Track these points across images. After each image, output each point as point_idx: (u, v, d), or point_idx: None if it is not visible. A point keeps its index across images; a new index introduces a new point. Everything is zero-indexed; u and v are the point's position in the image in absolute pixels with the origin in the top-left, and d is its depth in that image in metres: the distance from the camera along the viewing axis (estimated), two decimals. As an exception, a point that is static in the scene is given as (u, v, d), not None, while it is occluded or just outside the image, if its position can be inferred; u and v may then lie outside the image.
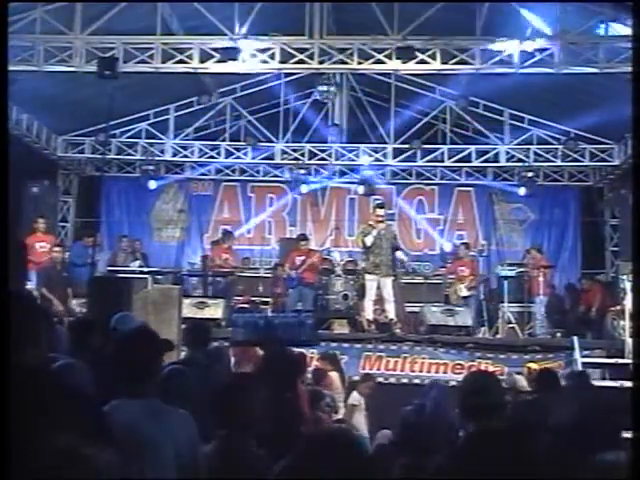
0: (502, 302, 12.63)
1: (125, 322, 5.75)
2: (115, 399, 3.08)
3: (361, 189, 16.31)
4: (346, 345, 11.00)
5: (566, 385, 6.79)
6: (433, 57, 11.40)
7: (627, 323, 10.48)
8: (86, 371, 3.57)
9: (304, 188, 16.45)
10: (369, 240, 11.18)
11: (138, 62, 11.57)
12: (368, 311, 11.44)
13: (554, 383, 6.34)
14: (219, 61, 11.43)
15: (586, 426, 3.19)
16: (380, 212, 11.55)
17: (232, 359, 7.90)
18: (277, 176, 16.98)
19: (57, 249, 11.87)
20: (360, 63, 11.65)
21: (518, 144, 15.57)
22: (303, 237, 13.74)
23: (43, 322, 2.45)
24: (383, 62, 11.54)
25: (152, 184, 16.30)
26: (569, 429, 3.24)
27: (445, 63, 11.43)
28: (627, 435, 3.21)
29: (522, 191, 15.86)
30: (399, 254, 11.63)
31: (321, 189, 17.01)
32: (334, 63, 11.78)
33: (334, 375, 9.77)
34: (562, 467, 2.99)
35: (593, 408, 3.71)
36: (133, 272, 12.42)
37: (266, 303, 12.91)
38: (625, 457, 2.85)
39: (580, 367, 10.01)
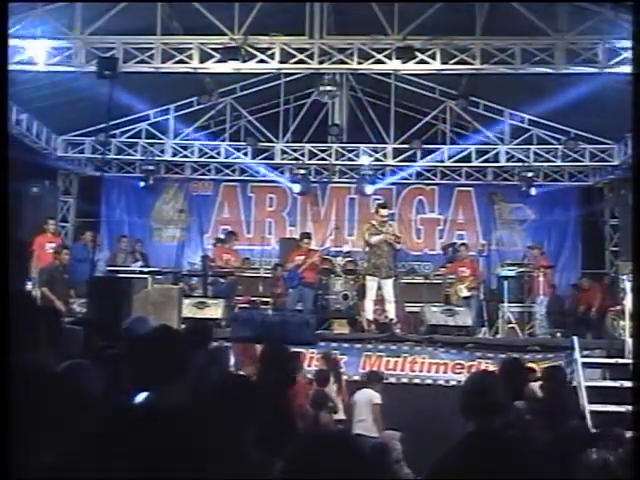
0: (502, 302, 12.61)
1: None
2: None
3: (364, 188, 16.28)
4: (346, 345, 10.99)
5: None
6: (433, 57, 11.40)
7: (627, 323, 10.47)
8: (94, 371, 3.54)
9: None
10: (374, 239, 11.14)
11: (138, 62, 11.57)
12: (368, 311, 11.43)
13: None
14: (219, 61, 11.45)
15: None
16: (383, 212, 11.52)
17: (232, 359, 7.90)
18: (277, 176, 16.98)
19: (66, 251, 11.82)
20: (360, 63, 11.65)
21: (518, 144, 15.58)
22: (307, 235, 13.61)
23: (47, 321, 2.46)
24: (383, 62, 11.54)
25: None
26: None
27: (445, 63, 11.44)
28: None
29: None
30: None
31: (321, 189, 17.01)
32: (334, 63, 11.77)
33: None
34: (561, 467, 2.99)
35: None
36: (133, 272, 12.41)
37: (266, 303, 12.90)
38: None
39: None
